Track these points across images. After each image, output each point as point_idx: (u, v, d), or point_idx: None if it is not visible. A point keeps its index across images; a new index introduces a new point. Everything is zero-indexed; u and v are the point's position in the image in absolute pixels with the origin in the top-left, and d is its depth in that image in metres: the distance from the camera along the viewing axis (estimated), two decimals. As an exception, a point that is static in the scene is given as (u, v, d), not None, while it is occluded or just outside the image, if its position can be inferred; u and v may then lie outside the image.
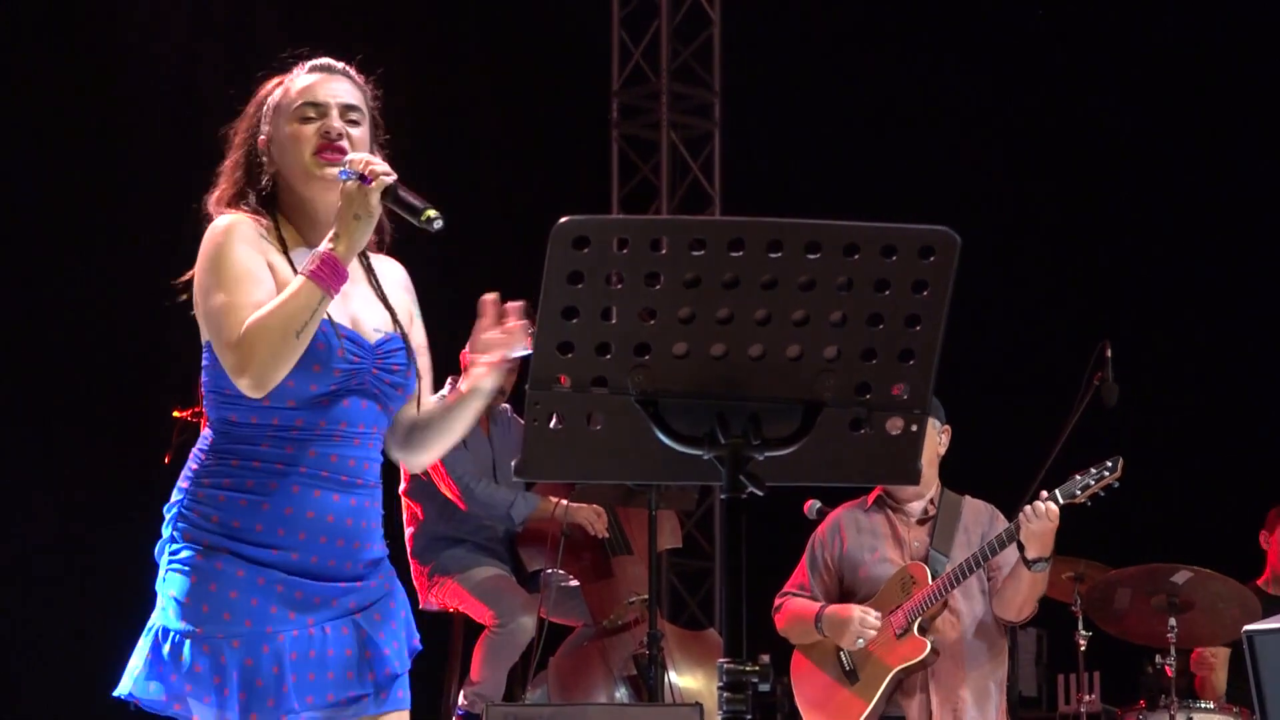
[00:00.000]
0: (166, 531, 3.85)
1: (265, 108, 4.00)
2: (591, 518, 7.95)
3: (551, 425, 2.95)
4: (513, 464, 3.03)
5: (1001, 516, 6.69)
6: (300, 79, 4.00)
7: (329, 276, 3.73)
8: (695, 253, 2.85)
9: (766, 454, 2.94)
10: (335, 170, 3.85)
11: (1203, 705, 7.41)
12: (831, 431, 2.97)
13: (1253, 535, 8.42)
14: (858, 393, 2.96)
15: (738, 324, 2.88)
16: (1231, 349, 10.33)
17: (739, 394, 2.93)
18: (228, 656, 3.72)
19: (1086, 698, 7.89)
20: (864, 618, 6.60)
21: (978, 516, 6.78)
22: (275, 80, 4.04)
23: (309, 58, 4.05)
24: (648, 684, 7.55)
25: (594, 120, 11.49)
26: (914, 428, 2.99)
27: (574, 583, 8.09)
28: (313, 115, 3.93)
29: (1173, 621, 7.19)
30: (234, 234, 3.84)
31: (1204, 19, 10.41)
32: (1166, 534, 9.17)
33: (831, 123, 10.70)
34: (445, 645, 8.04)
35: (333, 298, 3.76)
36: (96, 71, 9.25)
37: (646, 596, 7.72)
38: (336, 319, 3.83)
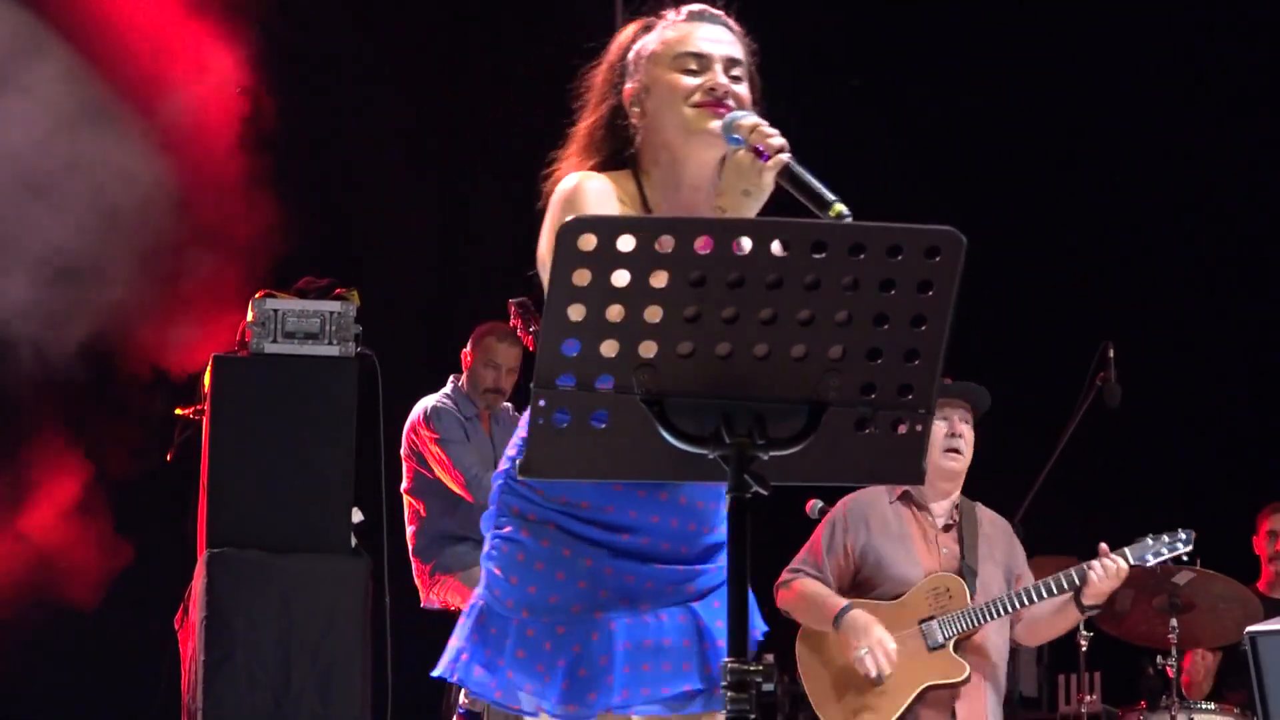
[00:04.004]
0: (493, 505, 3.67)
1: (633, 55, 3.70)
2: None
3: (556, 424, 2.95)
4: (517, 463, 3.03)
5: (1017, 538, 6.63)
6: (677, 25, 3.67)
7: None
8: (701, 252, 2.85)
9: (771, 453, 2.94)
10: (717, 124, 3.52)
11: (1204, 706, 7.41)
12: (836, 431, 2.97)
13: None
14: (863, 392, 2.96)
15: (743, 323, 2.88)
16: (1235, 349, 10.33)
17: (744, 393, 2.93)
18: (552, 643, 3.52)
19: (1087, 698, 7.88)
20: (884, 645, 6.28)
21: (995, 531, 6.63)
22: (637, 24, 3.76)
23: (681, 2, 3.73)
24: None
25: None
26: (919, 428, 3.00)
27: (576, 581, 8.09)
28: (694, 67, 3.60)
29: (1174, 622, 7.19)
30: (582, 197, 3.55)
31: (1211, 15, 10.40)
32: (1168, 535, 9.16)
33: (836, 123, 10.69)
34: (446, 643, 8.03)
35: None
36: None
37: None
38: None
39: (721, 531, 3.62)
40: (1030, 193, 10.70)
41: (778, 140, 3.45)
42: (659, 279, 2.85)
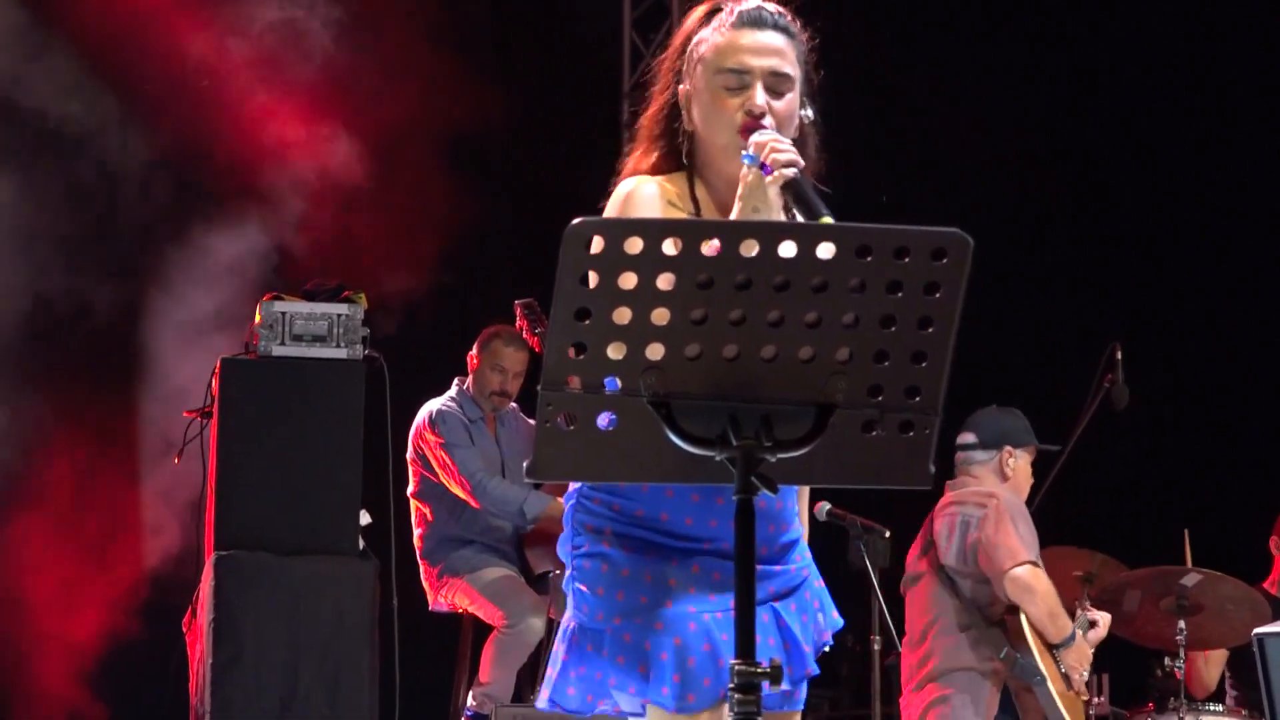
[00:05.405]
0: (567, 526, 3.63)
1: (690, 49, 3.65)
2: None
3: (563, 426, 2.95)
4: (524, 465, 3.03)
5: None
6: (727, 32, 3.61)
7: None
8: (707, 254, 2.85)
9: (778, 455, 2.94)
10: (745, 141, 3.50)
11: (1211, 708, 7.40)
12: (843, 433, 2.97)
13: (1263, 538, 8.42)
14: (870, 395, 2.96)
15: (750, 326, 2.88)
16: (1243, 351, 10.33)
17: (751, 395, 2.93)
18: (652, 641, 3.48)
19: (1095, 699, 7.88)
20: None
21: None
22: (704, 8, 3.67)
23: None
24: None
25: (605, 123, 11.49)
26: (926, 430, 3.00)
27: (582, 584, 8.08)
28: (735, 85, 3.57)
29: (1182, 624, 7.19)
30: (633, 205, 3.58)
31: (1222, 15, 10.40)
32: (1176, 536, 9.16)
33: (841, 124, 10.68)
34: (454, 646, 8.05)
35: None
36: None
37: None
38: None
39: (794, 529, 3.68)
40: (1038, 193, 10.70)
41: (785, 156, 3.39)
42: (666, 281, 2.85)
